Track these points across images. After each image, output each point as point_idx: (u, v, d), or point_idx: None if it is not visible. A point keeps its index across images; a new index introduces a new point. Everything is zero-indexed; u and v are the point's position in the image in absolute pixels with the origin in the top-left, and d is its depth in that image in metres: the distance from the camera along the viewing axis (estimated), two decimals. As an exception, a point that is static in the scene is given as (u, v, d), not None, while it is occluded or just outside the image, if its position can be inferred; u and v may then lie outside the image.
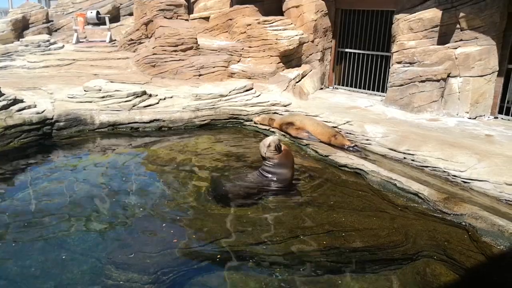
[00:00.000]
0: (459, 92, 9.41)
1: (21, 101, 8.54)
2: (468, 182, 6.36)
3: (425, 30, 9.79)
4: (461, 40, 9.39)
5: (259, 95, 10.44)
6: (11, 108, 8.16)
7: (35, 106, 8.55)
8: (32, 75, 12.03)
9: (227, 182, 6.39)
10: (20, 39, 15.13)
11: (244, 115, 9.67)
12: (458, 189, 6.23)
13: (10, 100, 8.24)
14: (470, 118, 9.38)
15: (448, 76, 9.43)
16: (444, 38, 9.59)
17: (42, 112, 8.41)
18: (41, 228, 5.01)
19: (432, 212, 5.57)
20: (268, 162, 6.28)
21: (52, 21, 17.97)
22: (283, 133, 8.73)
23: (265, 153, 6.28)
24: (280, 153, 6.29)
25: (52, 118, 8.45)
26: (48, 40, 14.61)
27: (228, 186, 6.27)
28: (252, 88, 10.54)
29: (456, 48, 9.39)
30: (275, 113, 9.73)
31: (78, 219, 5.23)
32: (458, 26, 9.35)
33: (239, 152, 8.00)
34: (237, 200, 5.83)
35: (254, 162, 7.31)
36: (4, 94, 8.32)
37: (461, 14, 9.18)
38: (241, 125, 9.62)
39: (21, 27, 16.68)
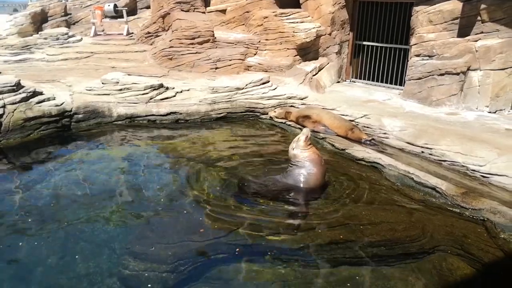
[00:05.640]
0: (479, 86, 9.25)
1: (41, 93, 8.65)
2: (487, 177, 6.26)
3: (445, 22, 9.63)
4: (481, 32, 9.22)
5: (276, 88, 10.42)
6: (30, 100, 8.28)
7: (54, 99, 8.66)
8: (51, 68, 12.19)
9: (251, 179, 6.26)
10: (39, 32, 15.34)
11: (261, 108, 9.66)
12: (477, 183, 6.15)
13: (30, 92, 8.36)
14: (490, 112, 9.22)
15: (468, 69, 9.27)
16: (464, 30, 9.42)
17: (61, 104, 8.52)
18: (60, 218, 5.09)
19: (450, 206, 5.51)
20: (294, 161, 5.90)
21: (70, 14, 18.16)
22: (299, 126, 8.71)
23: (293, 148, 5.90)
24: (310, 153, 5.84)
25: (70, 111, 8.56)
26: (66, 33, 14.77)
27: (251, 182, 6.13)
28: (268, 81, 10.52)
29: (476, 41, 9.22)
30: (291, 106, 9.70)
31: (96, 210, 5.30)
32: (479, 18, 9.17)
33: (255, 145, 8.01)
34: (256, 196, 5.77)
35: (270, 155, 7.32)
36: (23, 87, 8.45)
37: (483, 6, 9.01)
38: (257, 118, 9.61)
39: (40, 20, 16.88)
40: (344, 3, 12.13)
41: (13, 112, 7.88)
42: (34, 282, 4.01)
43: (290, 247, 4.63)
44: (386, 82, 11.96)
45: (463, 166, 6.61)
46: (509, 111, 9.31)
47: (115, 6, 16.24)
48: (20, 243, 4.57)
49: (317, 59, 12.22)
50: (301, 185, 5.81)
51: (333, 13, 11.97)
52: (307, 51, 12.12)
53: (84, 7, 18.61)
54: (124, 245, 4.56)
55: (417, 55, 10.11)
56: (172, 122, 9.08)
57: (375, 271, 4.24)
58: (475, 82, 9.28)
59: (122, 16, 16.07)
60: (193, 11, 13.80)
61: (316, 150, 6.09)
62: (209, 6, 14.79)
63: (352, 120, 8.65)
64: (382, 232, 4.91)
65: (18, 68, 11.88)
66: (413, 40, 10.27)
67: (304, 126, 8.57)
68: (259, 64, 11.84)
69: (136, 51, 13.74)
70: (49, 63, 12.73)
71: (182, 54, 12.24)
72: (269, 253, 4.49)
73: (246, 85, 10.10)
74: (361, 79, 12.69)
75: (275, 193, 5.77)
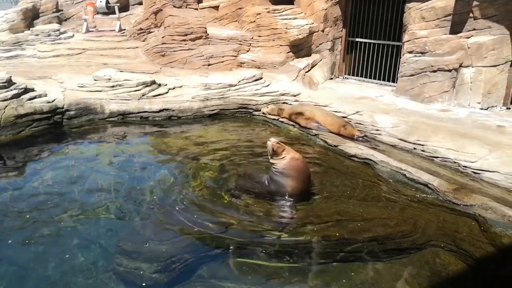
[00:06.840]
0: (471, 83, 9.30)
1: (32, 90, 8.59)
2: (479, 173, 6.30)
3: (438, 19, 9.65)
4: (474, 29, 9.25)
5: (268, 85, 10.40)
6: (22, 97, 8.22)
7: (45, 95, 8.61)
8: (43, 64, 12.10)
9: (244, 177, 6.24)
10: (31, 29, 15.17)
11: (253, 105, 9.65)
12: (468, 180, 6.18)
13: (21, 89, 8.30)
14: (481, 109, 9.26)
15: (460, 66, 9.30)
16: (456, 27, 9.45)
17: (53, 101, 8.47)
18: (52, 215, 5.07)
19: (442, 202, 5.54)
20: (273, 168, 5.69)
21: (62, 10, 18.01)
22: (292, 123, 8.73)
23: (269, 160, 5.74)
24: (286, 161, 5.55)
25: (62, 107, 8.51)
26: (58, 30, 14.64)
27: (244, 180, 6.10)
28: (261, 78, 10.50)
29: (468, 38, 9.25)
30: (284, 103, 9.69)
31: (88, 207, 5.29)
32: (471, 15, 9.20)
33: (248, 142, 8.00)
34: (249, 194, 5.75)
35: (263, 152, 7.31)
36: (15, 83, 8.38)
37: (475, 3, 9.04)
38: (250, 115, 9.60)
39: (31, 16, 16.73)
40: (337, 0, 12.13)
41: (4, 109, 7.82)
42: (27, 279, 3.99)
43: (284, 244, 4.63)
44: (379, 79, 11.98)
45: (455, 162, 6.64)
46: (500, 108, 9.37)
47: (107, 2, 16.11)
48: (10, 241, 4.55)
49: (310, 55, 12.21)
50: (283, 190, 5.58)
51: (326, 9, 11.96)
52: (300, 47, 12.11)
53: (76, 3, 18.44)
54: (117, 242, 4.55)
55: (410, 52, 10.14)
56: (165, 119, 9.05)
57: (368, 267, 4.26)
58: (467, 79, 9.32)
59: (114, 13, 15.96)
60: (186, 7, 13.74)
61: (295, 155, 5.63)
62: (201, 2, 14.74)
63: (345, 117, 8.65)
64: (374, 228, 4.93)
65: (9, 65, 11.78)
66: (405, 37, 10.29)
67: (297, 123, 8.63)
68: (252, 60, 11.81)
69: (128, 48, 13.66)
70: (40, 60, 12.63)
71: (174, 51, 12.19)
72: (263, 250, 4.49)
73: (239, 81, 10.09)
74: (354, 75, 12.70)
75: (264, 194, 5.72)
